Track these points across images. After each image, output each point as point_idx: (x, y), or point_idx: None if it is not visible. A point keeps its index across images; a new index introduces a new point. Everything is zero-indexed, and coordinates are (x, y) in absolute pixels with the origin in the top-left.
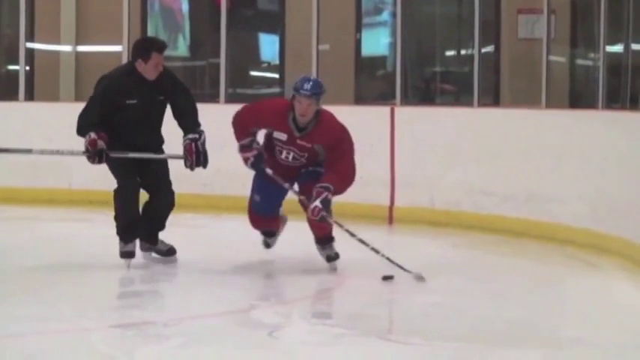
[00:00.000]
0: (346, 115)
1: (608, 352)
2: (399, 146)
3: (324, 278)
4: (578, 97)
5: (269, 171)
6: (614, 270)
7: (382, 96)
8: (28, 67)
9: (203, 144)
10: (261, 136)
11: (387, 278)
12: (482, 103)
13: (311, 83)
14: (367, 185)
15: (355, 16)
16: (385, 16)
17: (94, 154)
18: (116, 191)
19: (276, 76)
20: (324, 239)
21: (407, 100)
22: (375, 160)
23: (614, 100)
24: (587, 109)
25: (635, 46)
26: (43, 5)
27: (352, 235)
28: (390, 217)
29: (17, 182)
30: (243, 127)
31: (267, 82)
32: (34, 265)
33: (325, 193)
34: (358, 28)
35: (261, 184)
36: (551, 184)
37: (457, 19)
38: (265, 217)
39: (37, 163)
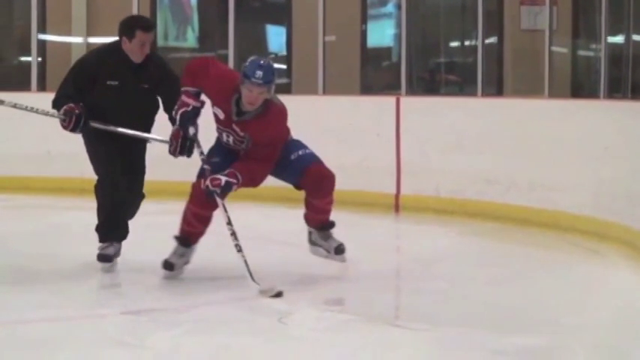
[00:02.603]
0: (352, 105)
1: (611, 337)
2: (404, 136)
3: (330, 265)
4: (580, 87)
5: (192, 130)
6: (614, 256)
7: (387, 86)
8: (40, 59)
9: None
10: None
11: (277, 295)
12: (485, 93)
13: (263, 70)
14: (373, 174)
15: (361, 7)
16: (390, 7)
17: (72, 116)
18: (97, 187)
19: (284, 67)
20: (324, 225)
21: (412, 91)
22: (381, 150)
23: (616, 90)
24: (589, 99)
25: (635, 37)
26: None
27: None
28: (396, 205)
29: (29, 171)
30: (192, 77)
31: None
32: (46, 253)
33: (234, 180)
34: (364, 19)
35: (218, 148)
36: (553, 172)
37: (461, 10)
38: None
39: (50, 153)
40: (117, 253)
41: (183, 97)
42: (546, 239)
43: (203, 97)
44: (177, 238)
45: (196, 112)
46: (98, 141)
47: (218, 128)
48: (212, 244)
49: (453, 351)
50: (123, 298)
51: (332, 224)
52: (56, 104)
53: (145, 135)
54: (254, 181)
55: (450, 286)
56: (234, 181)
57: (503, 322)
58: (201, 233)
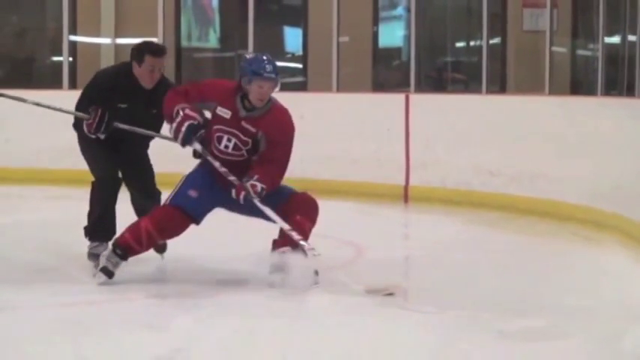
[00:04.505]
0: (364, 102)
1: (607, 319)
2: (413, 131)
3: (343, 252)
4: (579, 85)
5: (198, 146)
6: (611, 244)
7: (398, 84)
8: (71, 58)
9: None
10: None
11: (389, 295)
12: (489, 91)
13: (271, 64)
14: (384, 167)
15: (372, 10)
16: (400, 10)
17: (97, 112)
18: (94, 186)
19: (300, 66)
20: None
21: (420, 88)
22: (391, 144)
23: (612, 88)
24: (587, 96)
25: (631, 38)
26: (85, 0)
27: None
28: (405, 196)
29: (63, 164)
30: (183, 96)
31: (292, 72)
32: (77, 241)
33: (265, 186)
34: (375, 21)
35: (199, 179)
36: (553, 165)
37: (467, 12)
38: (193, 218)
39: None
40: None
41: (187, 111)
42: (547, 228)
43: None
44: (116, 247)
45: (200, 127)
46: (98, 144)
47: (218, 132)
48: (229, 235)
49: (460, 333)
50: (148, 284)
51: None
52: (77, 125)
53: (166, 136)
54: (274, 184)
55: (456, 271)
56: (265, 187)
57: (507, 305)
58: (140, 253)
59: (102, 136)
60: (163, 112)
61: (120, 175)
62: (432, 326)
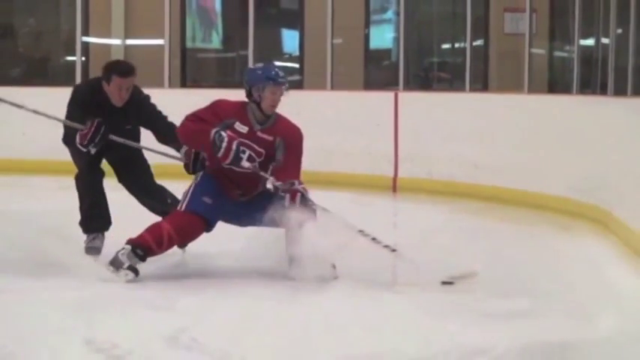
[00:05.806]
0: (356, 99)
1: (581, 300)
2: (401, 126)
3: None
4: (556, 84)
5: (246, 163)
6: (586, 232)
7: (387, 83)
8: (83, 58)
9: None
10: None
11: (447, 283)
12: (473, 89)
13: (280, 70)
14: (374, 159)
15: (364, 14)
16: (390, 14)
17: (92, 122)
18: (77, 177)
19: (297, 65)
20: None
21: (408, 86)
22: (381, 138)
23: (587, 87)
24: (563, 95)
25: (604, 40)
26: (96, 3)
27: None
28: (393, 186)
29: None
30: (199, 122)
31: (289, 71)
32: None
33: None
34: (367, 24)
35: (211, 187)
36: (532, 158)
37: (452, 16)
38: (208, 224)
39: None
40: (102, 244)
41: (229, 132)
42: (527, 217)
43: None
44: (137, 247)
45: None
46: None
47: None
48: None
49: (446, 313)
50: (154, 268)
51: None
52: (67, 141)
53: (161, 151)
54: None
55: (442, 256)
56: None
57: (489, 287)
58: (157, 255)
59: (93, 151)
60: (184, 140)
61: (107, 167)
62: (420, 307)
